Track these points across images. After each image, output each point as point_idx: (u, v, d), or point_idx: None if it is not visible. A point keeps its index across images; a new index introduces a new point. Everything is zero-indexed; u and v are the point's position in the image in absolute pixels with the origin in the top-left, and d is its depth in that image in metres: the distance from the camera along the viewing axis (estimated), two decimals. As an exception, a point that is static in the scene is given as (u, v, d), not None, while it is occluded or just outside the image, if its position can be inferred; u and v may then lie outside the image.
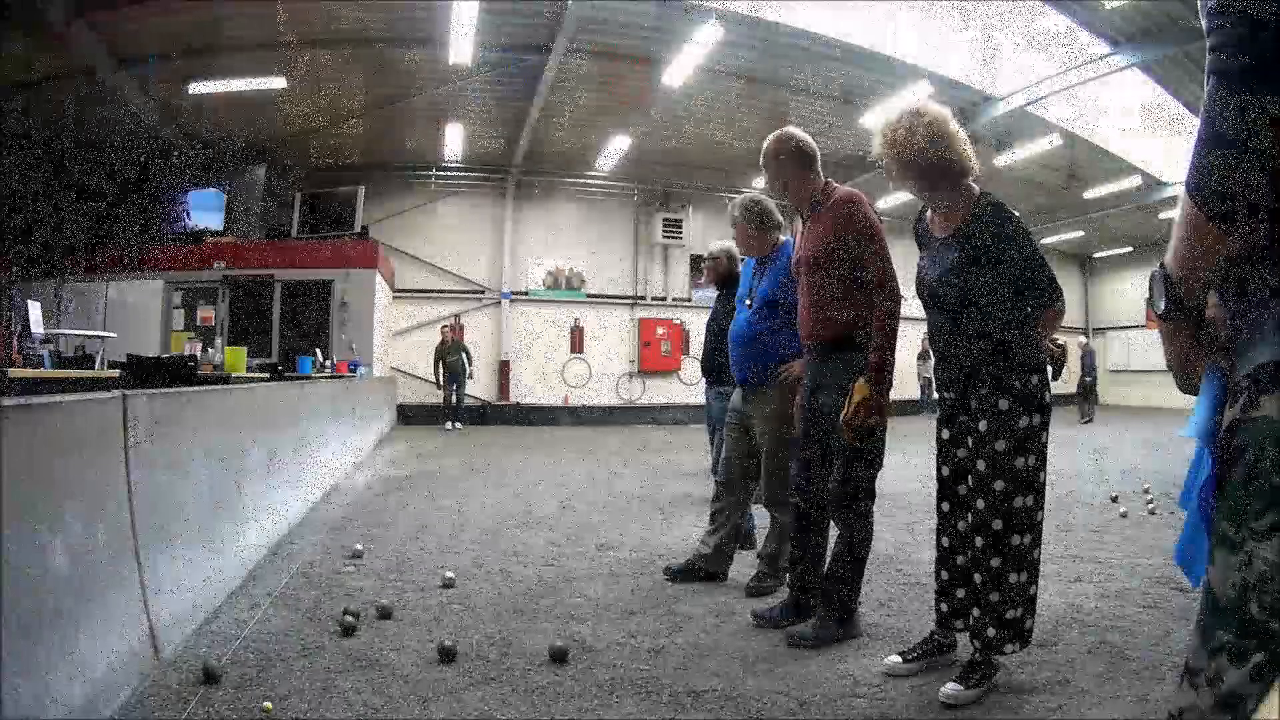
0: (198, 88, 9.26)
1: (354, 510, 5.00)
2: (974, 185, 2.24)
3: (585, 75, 9.93)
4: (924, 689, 2.24)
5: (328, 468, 5.73)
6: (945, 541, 2.34)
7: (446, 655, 2.41)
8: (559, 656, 2.42)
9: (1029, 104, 10.05)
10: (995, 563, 2.14)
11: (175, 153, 11.16)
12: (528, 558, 3.81)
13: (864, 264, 2.63)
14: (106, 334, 8.08)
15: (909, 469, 7.33)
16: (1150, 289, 1.01)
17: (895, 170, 2.24)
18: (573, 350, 14.41)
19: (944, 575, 2.34)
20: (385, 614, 2.82)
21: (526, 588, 3.29)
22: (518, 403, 13.81)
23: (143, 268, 10.59)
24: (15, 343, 5.08)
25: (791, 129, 2.86)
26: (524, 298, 14.24)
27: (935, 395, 2.42)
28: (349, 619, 2.66)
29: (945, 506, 2.33)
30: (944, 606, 2.36)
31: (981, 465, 2.16)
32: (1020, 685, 2.25)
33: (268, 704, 2.03)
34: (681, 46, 8.74)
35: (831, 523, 2.76)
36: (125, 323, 10.26)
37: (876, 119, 9.60)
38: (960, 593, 2.31)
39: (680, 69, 9.22)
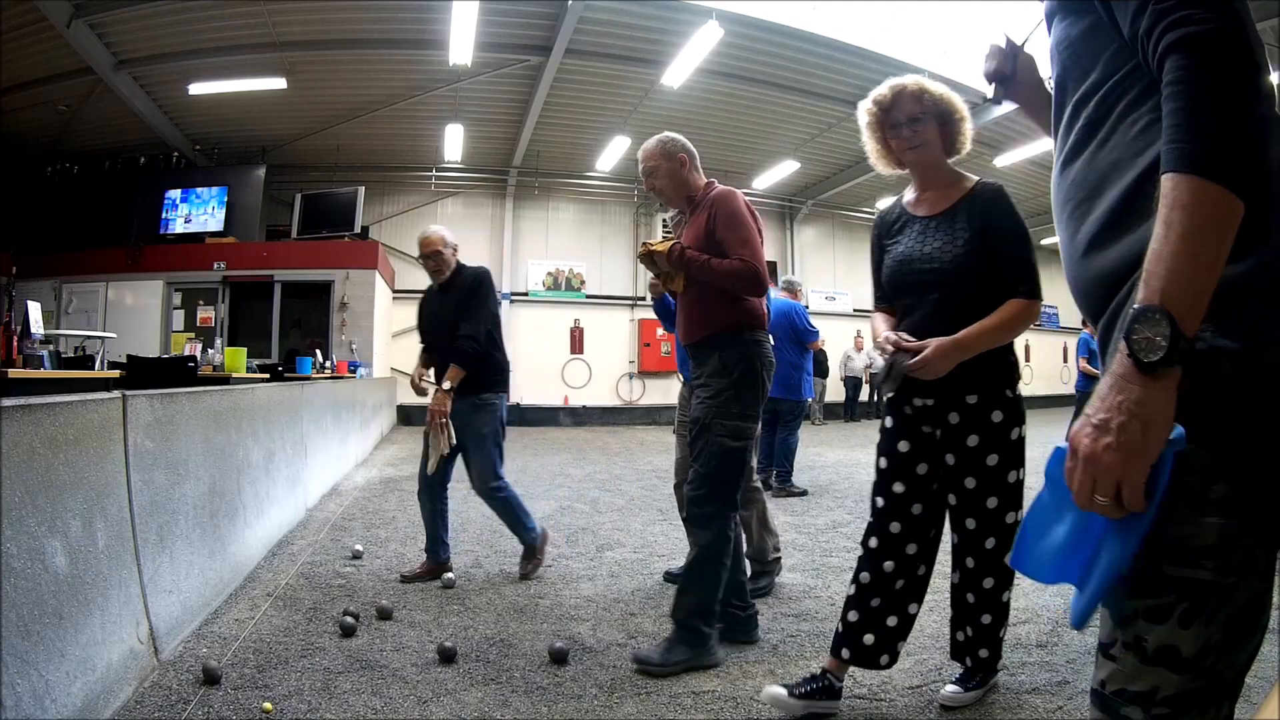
0: (198, 88, 9.26)
1: (354, 510, 5.00)
2: (965, 173, 2.15)
3: (585, 75, 9.92)
4: (924, 690, 2.24)
5: (328, 468, 5.73)
6: (888, 566, 2.06)
7: (446, 656, 2.41)
8: (559, 657, 2.42)
9: (1029, 104, 10.05)
10: (988, 583, 2.07)
11: (175, 153, 11.17)
12: (528, 558, 3.81)
13: (733, 251, 2.45)
14: (106, 334, 8.08)
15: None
16: (1135, 339, 0.74)
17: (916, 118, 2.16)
18: (573, 351, 14.40)
19: (874, 602, 2.07)
20: (385, 614, 2.82)
21: (526, 588, 3.30)
22: (517, 403, 13.78)
23: (143, 268, 10.61)
24: (15, 343, 5.06)
25: (669, 132, 2.73)
26: (524, 298, 14.23)
27: (886, 397, 2.12)
28: (349, 619, 2.67)
29: (896, 527, 2.07)
30: (868, 639, 2.07)
31: (971, 482, 2.03)
32: (1020, 686, 2.25)
33: (268, 704, 2.03)
34: (681, 47, 8.74)
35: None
36: (125, 323, 10.29)
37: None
38: (891, 621, 2.07)
39: (680, 70, 9.22)
